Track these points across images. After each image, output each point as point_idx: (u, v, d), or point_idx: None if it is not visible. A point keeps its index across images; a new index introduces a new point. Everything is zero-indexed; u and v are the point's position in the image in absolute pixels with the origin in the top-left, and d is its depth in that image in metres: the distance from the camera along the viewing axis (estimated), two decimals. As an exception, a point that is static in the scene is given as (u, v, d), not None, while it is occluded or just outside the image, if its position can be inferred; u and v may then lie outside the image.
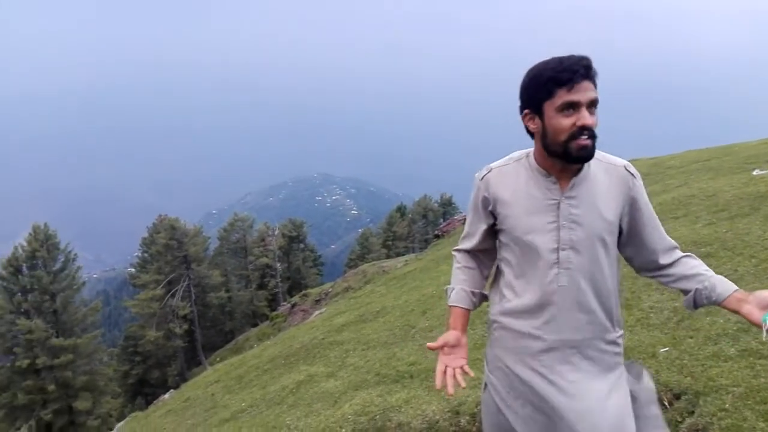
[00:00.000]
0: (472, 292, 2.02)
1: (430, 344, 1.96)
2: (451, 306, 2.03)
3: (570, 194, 1.80)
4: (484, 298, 2.06)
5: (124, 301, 40.21)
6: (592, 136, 1.72)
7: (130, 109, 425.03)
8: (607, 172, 1.84)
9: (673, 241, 1.93)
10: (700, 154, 14.24)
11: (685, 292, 1.88)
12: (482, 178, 1.94)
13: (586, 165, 1.82)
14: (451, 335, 1.96)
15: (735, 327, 3.71)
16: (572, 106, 1.70)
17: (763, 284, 4.27)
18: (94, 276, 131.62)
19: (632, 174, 1.86)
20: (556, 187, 1.81)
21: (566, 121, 1.71)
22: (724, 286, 1.81)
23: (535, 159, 1.85)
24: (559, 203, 1.80)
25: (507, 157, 1.95)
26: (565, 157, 1.76)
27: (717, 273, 1.88)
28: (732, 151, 13.32)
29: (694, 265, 1.89)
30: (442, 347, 1.94)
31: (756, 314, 1.73)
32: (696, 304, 1.87)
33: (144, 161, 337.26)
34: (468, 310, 2.02)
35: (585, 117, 1.70)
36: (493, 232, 1.99)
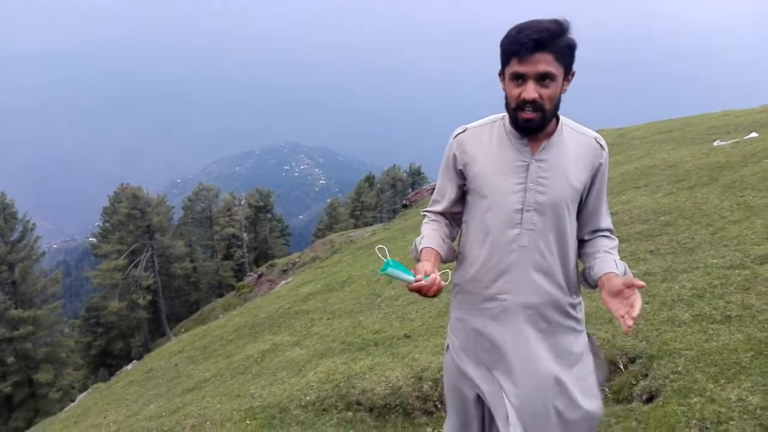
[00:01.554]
0: (442, 238, 1.95)
1: (417, 274, 1.75)
2: (422, 249, 1.91)
3: (540, 157, 1.82)
4: (454, 253, 1.99)
5: (86, 271, 39.33)
6: (539, 109, 1.71)
7: (95, 74, 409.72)
8: (578, 141, 1.86)
9: (607, 224, 1.94)
10: (664, 125, 14.53)
11: (583, 269, 1.92)
12: (456, 137, 1.94)
13: (557, 130, 1.83)
14: (426, 264, 1.80)
15: (690, 293, 3.81)
16: (520, 77, 1.71)
17: (718, 251, 4.39)
18: (54, 246, 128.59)
19: (602, 146, 1.88)
20: (527, 150, 1.82)
21: (515, 91, 1.73)
22: (601, 267, 1.82)
23: (510, 123, 1.86)
24: (528, 165, 1.82)
25: (484, 118, 1.95)
26: (515, 125, 1.80)
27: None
28: (694, 122, 13.62)
29: (602, 244, 1.90)
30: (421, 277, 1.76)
31: (608, 304, 1.72)
32: (586, 281, 1.90)
33: (107, 128, 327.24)
34: (438, 253, 1.90)
35: (528, 90, 1.70)
36: (462, 195, 1.97)
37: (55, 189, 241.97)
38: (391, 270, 1.74)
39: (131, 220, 34.39)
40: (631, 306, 1.65)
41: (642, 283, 1.68)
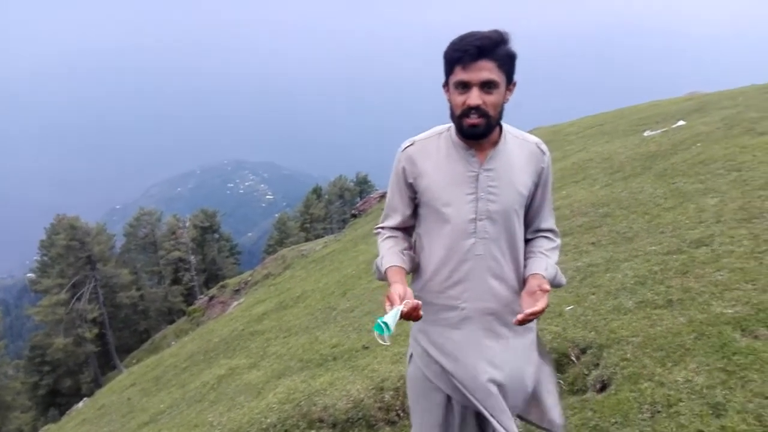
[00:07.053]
0: (402, 252, 1.96)
1: (389, 301, 1.73)
2: (386, 269, 1.89)
3: (488, 167, 1.85)
4: (415, 263, 1.99)
5: (26, 309, 37.61)
6: (483, 115, 1.75)
7: (20, 98, 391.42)
8: (521, 148, 1.91)
9: (549, 224, 2.02)
10: (595, 119, 15.06)
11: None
12: (404, 150, 1.95)
13: (502, 139, 1.88)
14: (398, 287, 1.78)
15: (632, 281, 3.95)
16: (464, 85, 1.74)
17: (656, 239, 4.57)
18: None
19: (543, 151, 1.94)
20: (475, 160, 1.85)
21: (459, 99, 1.76)
22: (531, 267, 1.91)
23: (456, 133, 1.88)
24: (478, 175, 1.85)
25: (430, 130, 1.97)
26: (460, 132, 1.83)
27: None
28: (624, 114, 14.17)
29: (539, 245, 1.98)
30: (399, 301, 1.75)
31: (521, 300, 1.83)
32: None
33: (37, 157, 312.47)
34: (403, 268, 1.90)
35: (472, 97, 1.73)
36: (415, 208, 1.99)
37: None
38: (389, 321, 1.66)
39: (71, 251, 33.03)
40: (535, 304, 1.75)
41: (548, 287, 1.80)
